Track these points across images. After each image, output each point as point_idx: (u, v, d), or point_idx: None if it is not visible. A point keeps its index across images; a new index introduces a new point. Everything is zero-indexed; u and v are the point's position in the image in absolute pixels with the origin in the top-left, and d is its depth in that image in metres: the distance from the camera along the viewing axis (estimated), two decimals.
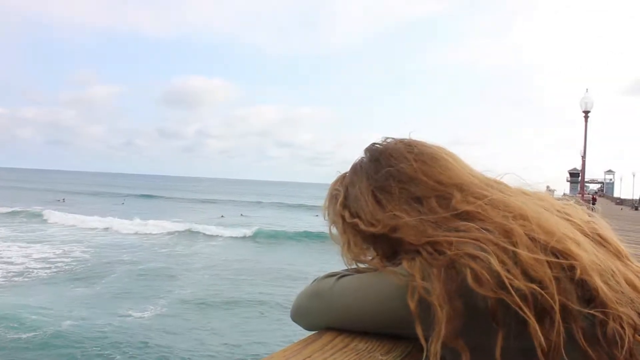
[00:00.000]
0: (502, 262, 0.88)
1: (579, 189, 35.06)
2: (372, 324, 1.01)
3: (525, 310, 0.84)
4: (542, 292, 0.85)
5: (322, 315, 1.07)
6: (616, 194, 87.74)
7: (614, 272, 0.93)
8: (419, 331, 0.91)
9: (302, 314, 1.11)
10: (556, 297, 0.84)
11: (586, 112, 23.84)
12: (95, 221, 39.57)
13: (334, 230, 1.17)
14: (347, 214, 1.12)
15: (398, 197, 1.06)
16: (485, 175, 1.14)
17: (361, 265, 1.15)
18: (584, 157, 27.50)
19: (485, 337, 0.86)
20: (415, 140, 1.17)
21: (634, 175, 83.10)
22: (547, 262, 0.88)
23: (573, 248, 0.92)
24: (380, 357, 0.93)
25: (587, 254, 0.92)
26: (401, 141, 1.17)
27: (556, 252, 0.90)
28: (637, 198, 44.60)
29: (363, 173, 1.14)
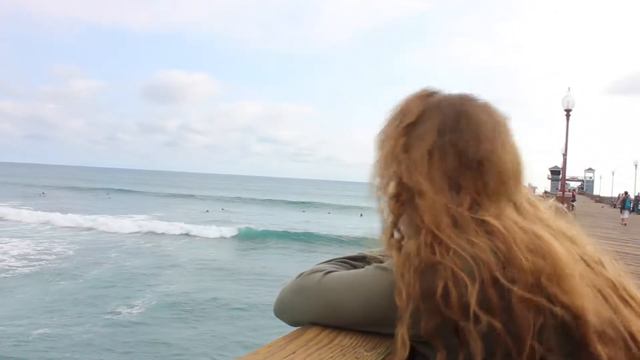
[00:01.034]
0: (481, 293, 0.84)
1: (559, 186, 35.46)
2: (359, 321, 1.00)
3: (473, 345, 0.82)
4: (504, 331, 0.82)
5: (307, 311, 1.05)
6: (596, 192, 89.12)
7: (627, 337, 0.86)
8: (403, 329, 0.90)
9: (286, 309, 1.09)
10: (527, 343, 0.81)
11: (568, 111, 24.05)
12: (79, 218, 38.61)
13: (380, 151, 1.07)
14: (402, 141, 1.02)
15: (445, 170, 0.98)
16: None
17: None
18: (565, 155, 27.77)
19: (454, 340, 0.86)
20: (507, 130, 1.04)
21: (613, 174, 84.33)
22: (537, 305, 0.83)
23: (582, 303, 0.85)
24: (365, 353, 0.92)
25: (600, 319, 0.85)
26: (496, 119, 1.03)
27: (561, 303, 0.84)
28: (616, 196, 45.26)
29: (438, 119, 1.01)
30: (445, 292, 0.85)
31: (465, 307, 0.83)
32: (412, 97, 1.06)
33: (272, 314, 1.13)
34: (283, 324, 1.11)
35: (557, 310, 0.83)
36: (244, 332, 13.48)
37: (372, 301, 0.97)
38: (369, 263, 1.10)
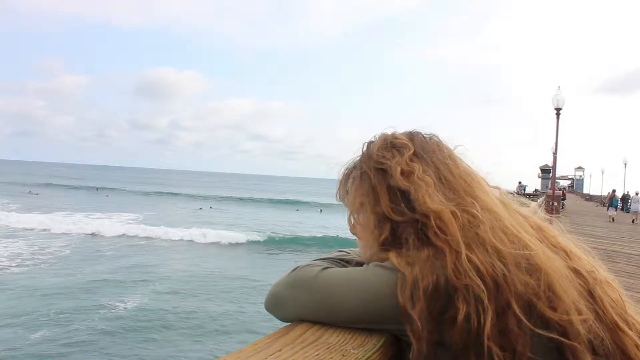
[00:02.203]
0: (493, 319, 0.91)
1: (550, 184, 35.69)
2: (357, 317, 1.00)
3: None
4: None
5: (300, 307, 1.04)
6: (585, 190, 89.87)
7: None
8: (408, 327, 0.93)
9: (279, 304, 1.07)
10: None
11: (558, 110, 24.20)
12: (65, 218, 37.76)
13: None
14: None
15: None
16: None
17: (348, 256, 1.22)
18: (555, 153, 27.96)
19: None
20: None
21: (602, 172, 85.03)
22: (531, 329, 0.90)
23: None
24: (352, 350, 0.92)
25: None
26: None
27: (552, 323, 0.93)
28: (606, 194, 45.68)
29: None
30: (402, 285, 0.94)
31: (479, 332, 0.89)
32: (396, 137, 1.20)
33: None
34: None
35: (550, 331, 0.90)
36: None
37: (374, 297, 0.98)
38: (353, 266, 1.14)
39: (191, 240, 30.62)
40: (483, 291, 0.90)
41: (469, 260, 0.93)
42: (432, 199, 1.03)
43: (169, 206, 55.71)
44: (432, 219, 1.00)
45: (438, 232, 0.98)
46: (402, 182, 1.07)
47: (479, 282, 0.91)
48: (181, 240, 30.55)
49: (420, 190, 1.04)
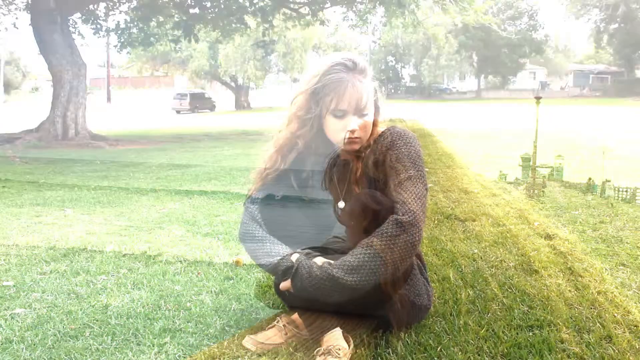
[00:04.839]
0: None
1: (530, 172, 35.76)
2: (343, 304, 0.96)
3: None
4: None
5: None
6: (565, 179, 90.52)
7: None
8: None
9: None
10: None
11: (537, 98, 24.22)
12: None
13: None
14: None
15: None
16: None
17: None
18: (535, 142, 28.01)
19: None
20: None
21: (582, 161, 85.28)
22: None
23: None
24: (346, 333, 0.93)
25: None
26: None
27: None
28: (585, 182, 45.98)
29: None
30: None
31: None
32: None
33: None
34: None
35: None
36: None
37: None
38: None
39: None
40: None
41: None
42: (403, 189, 1.13)
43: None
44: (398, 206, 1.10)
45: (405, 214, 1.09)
46: (373, 172, 1.18)
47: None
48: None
49: (390, 180, 1.15)
